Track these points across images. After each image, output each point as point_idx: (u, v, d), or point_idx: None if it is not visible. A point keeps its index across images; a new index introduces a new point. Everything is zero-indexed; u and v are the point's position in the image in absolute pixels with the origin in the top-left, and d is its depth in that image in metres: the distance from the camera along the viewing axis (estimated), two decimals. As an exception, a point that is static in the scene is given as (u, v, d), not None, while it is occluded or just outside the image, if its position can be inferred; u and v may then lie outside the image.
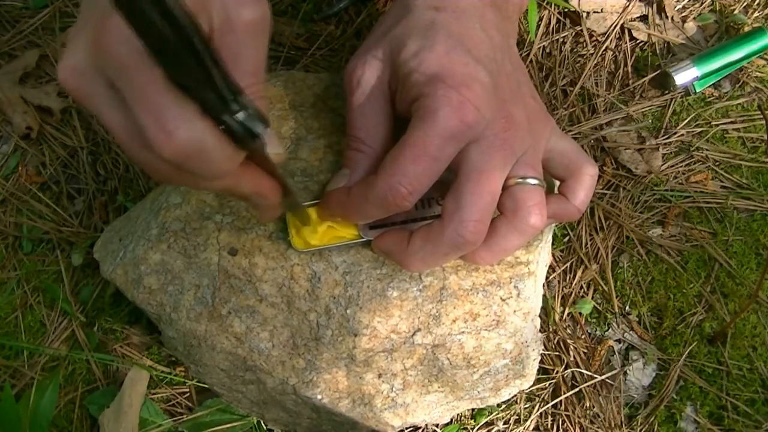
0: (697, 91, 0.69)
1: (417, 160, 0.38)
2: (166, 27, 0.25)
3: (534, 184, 0.42)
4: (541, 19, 0.72)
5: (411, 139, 0.38)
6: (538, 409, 0.60)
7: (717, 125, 0.69)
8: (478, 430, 0.60)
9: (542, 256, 0.52)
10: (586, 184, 0.46)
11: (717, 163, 0.67)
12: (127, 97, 0.30)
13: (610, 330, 0.63)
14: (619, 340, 0.63)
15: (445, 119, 0.38)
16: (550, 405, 0.60)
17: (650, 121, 0.69)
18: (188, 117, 0.29)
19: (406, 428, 0.55)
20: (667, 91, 0.70)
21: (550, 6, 0.72)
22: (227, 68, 0.28)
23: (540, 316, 0.57)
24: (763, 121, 0.68)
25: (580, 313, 0.63)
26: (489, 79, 0.39)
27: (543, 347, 0.60)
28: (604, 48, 0.71)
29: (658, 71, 0.70)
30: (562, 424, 0.60)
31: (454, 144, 0.39)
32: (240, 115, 0.30)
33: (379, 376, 0.48)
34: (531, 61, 0.70)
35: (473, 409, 0.60)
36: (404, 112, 0.42)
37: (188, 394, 0.60)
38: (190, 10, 0.25)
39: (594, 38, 0.72)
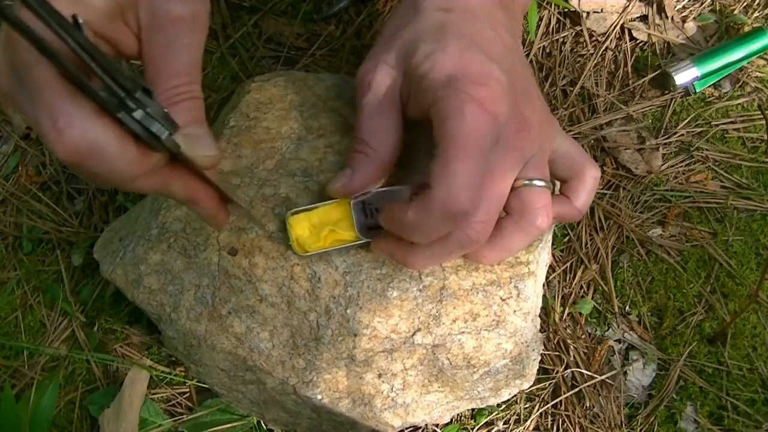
0: (697, 91, 0.69)
1: (463, 160, 0.36)
2: (41, 29, 0.25)
3: (541, 186, 0.42)
4: (541, 19, 0.72)
5: (446, 142, 0.37)
6: (538, 409, 0.60)
7: (717, 125, 0.69)
8: (478, 430, 0.60)
9: (542, 256, 0.52)
10: (589, 186, 0.46)
11: (717, 163, 0.67)
12: (30, 94, 0.30)
13: (610, 330, 0.63)
14: (619, 340, 0.63)
15: (472, 116, 0.36)
16: (550, 405, 0.60)
17: (650, 121, 0.69)
18: (82, 115, 0.28)
19: (406, 428, 0.55)
20: (667, 91, 0.70)
21: (550, 6, 0.72)
22: (115, 66, 0.27)
23: (540, 316, 0.57)
24: (763, 121, 0.68)
25: (580, 313, 0.63)
26: (504, 77, 0.39)
27: (543, 347, 0.60)
28: (604, 48, 0.71)
29: (658, 71, 0.70)
30: (562, 424, 0.60)
31: (490, 138, 0.37)
32: (137, 114, 0.29)
33: (379, 376, 0.48)
34: (531, 61, 0.70)
35: (473, 409, 0.60)
36: (419, 117, 0.41)
37: (188, 394, 0.60)
38: (57, 11, 0.25)
39: (594, 38, 0.72)
